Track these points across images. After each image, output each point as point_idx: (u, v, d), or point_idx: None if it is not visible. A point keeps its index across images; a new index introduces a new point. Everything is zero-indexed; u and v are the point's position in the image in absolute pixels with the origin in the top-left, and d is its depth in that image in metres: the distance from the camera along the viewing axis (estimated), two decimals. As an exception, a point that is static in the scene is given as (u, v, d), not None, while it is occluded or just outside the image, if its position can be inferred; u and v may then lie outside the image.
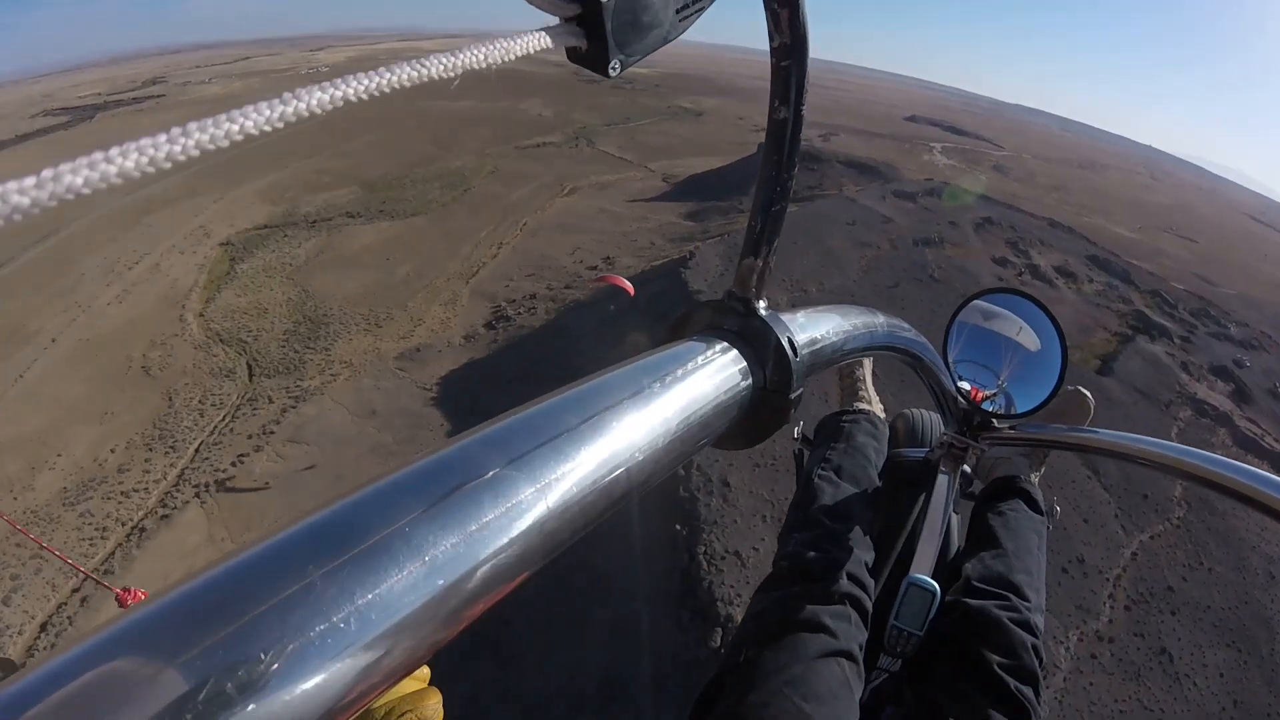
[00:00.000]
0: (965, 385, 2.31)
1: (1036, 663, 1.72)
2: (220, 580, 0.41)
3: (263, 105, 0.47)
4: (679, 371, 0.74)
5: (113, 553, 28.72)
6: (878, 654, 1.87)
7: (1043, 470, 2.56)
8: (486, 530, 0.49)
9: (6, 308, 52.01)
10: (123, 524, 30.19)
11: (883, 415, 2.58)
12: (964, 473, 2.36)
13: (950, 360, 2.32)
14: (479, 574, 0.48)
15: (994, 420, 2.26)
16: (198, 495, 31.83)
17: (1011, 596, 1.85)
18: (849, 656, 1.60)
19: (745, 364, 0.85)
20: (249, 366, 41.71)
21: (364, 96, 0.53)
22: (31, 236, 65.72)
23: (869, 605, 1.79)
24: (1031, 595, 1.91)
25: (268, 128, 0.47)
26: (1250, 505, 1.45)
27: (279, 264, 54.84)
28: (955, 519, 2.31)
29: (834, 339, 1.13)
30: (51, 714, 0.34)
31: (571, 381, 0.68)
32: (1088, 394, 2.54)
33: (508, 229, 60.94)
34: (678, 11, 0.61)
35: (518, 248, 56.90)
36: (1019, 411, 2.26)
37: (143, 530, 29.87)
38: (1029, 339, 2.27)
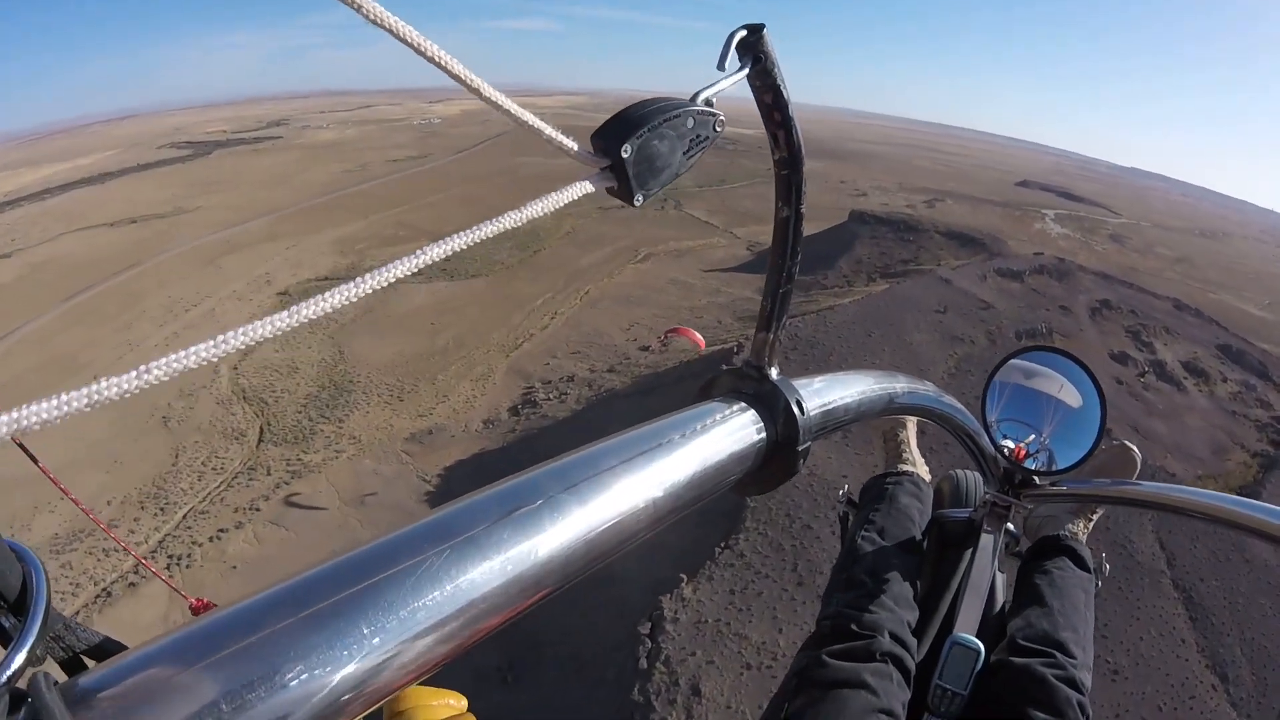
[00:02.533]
0: (1008, 444, 2.25)
1: (1083, 719, 1.67)
2: (289, 591, 0.50)
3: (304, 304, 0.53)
4: (699, 426, 0.88)
5: (77, 613, 27.07)
6: (922, 714, 1.82)
7: (1090, 527, 2.50)
8: (536, 548, 0.60)
9: (71, 334, 53.34)
10: (95, 583, 29.27)
11: (927, 477, 2.59)
12: (1009, 531, 2.28)
13: (992, 420, 2.28)
14: (533, 576, 0.60)
15: (1035, 478, 2.21)
16: (169, 568, 30.28)
17: (1057, 654, 1.82)
18: (890, 715, 1.59)
19: (760, 421, 0.98)
20: (261, 430, 39.97)
21: (448, 254, 0.62)
22: (119, 264, 67.27)
23: (911, 664, 1.77)
24: (1078, 652, 1.87)
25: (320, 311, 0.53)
26: None
27: (326, 320, 50.67)
28: (1000, 578, 2.24)
29: (847, 400, 1.24)
30: (153, 687, 0.44)
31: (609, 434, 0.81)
32: (1133, 448, 2.54)
33: (567, 297, 57.40)
34: (684, 153, 0.73)
35: (572, 319, 52.99)
36: (1060, 468, 2.21)
37: (109, 594, 28.78)
38: (1070, 395, 2.26)
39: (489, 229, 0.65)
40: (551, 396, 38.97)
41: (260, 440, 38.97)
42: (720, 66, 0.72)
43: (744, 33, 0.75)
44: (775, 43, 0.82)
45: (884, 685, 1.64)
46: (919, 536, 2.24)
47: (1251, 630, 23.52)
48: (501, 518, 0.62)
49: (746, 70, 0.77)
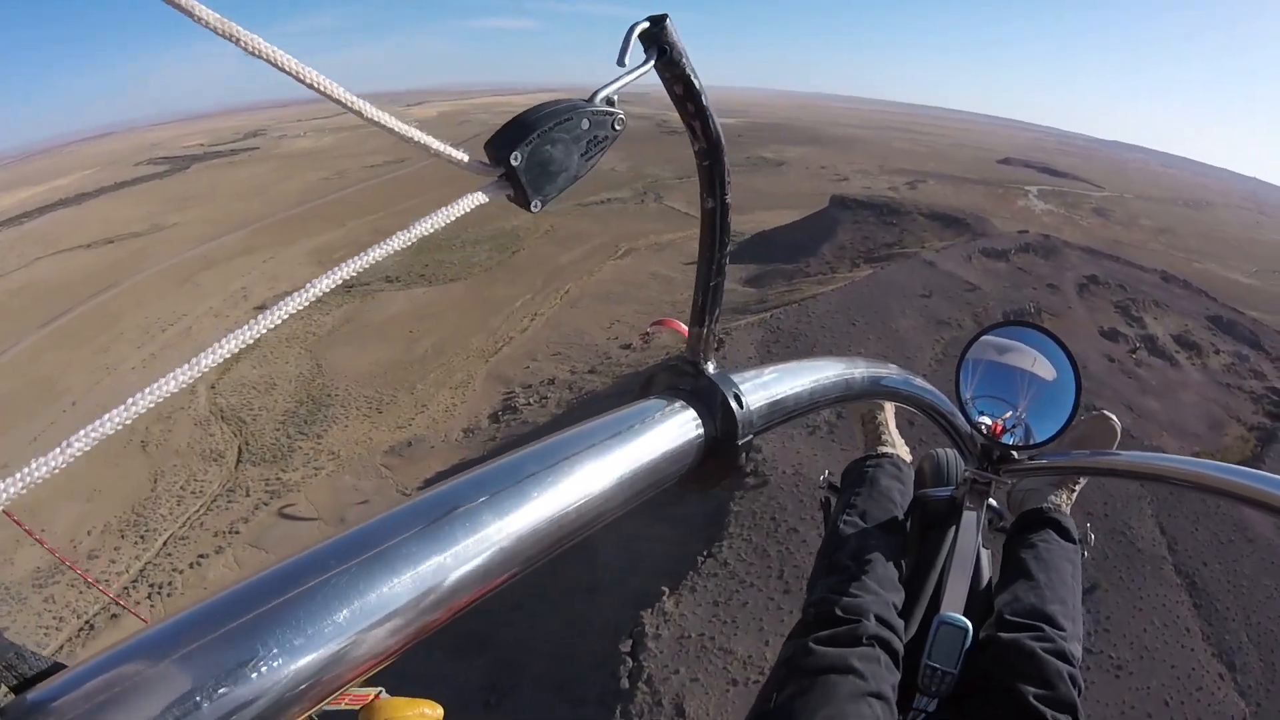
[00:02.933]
0: (986, 420, 2.26)
1: (1074, 691, 1.68)
2: (250, 588, 0.53)
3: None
4: (633, 427, 0.87)
5: (61, 647, 27.26)
6: (913, 694, 1.82)
7: (1074, 498, 2.48)
8: (460, 553, 0.60)
9: (49, 361, 52.70)
10: (78, 616, 28.90)
11: (908, 458, 2.61)
12: (992, 507, 2.32)
13: (967, 397, 2.29)
14: (450, 586, 0.60)
15: (1014, 453, 2.22)
16: (150, 597, 29.87)
17: (1045, 627, 1.83)
18: (880, 698, 1.59)
19: (698, 418, 0.96)
20: (239, 450, 39.37)
21: (339, 283, 0.62)
22: (96, 286, 66.49)
23: (899, 646, 1.78)
24: (1066, 624, 1.88)
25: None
26: None
27: (303, 333, 52.54)
28: (986, 554, 2.26)
29: (798, 390, 1.23)
30: (89, 702, 0.45)
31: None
32: (1112, 416, 2.56)
33: (547, 297, 56.68)
34: (582, 155, 0.72)
35: (552, 319, 52.28)
36: (1038, 441, 2.21)
37: (92, 628, 28.30)
38: (1044, 369, 2.27)
39: (377, 253, 0.63)
40: (532, 401, 38.30)
41: (239, 460, 38.45)
42: (620, 62, 0.70)
43: (645, 24, 0.73)
44: (682, 32, 0.80)
45: (872, 669, 1.63)
46: (901, 518, 2.25)
47: (1257, 614, 23.01)
48: (414, 532, 0.61)
49: (652, 63, 0.75)
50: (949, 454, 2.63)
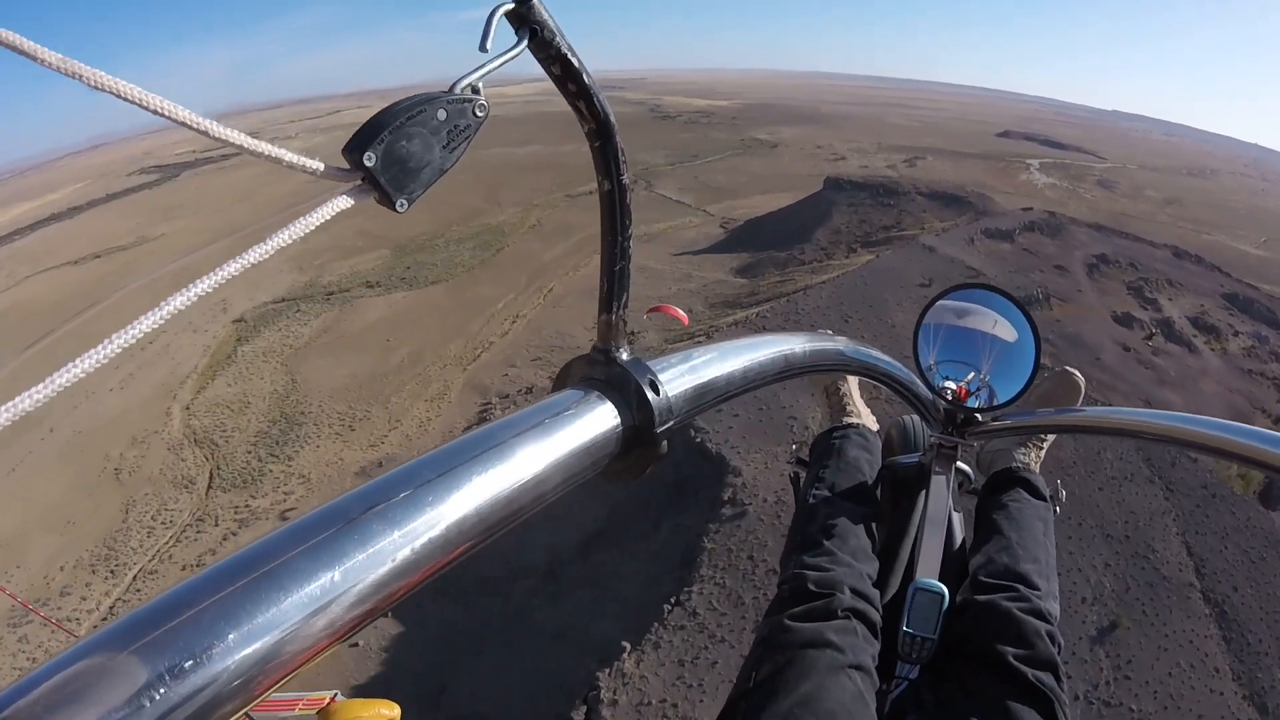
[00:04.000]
0: (950, 385, 2.25)
1: (1053, 648, 1.68)
2: (178, 595, 0.53)
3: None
4: (546, 420, 0.85)
5: None
6: (895, 663, 1.82)
7: (1043, 456, 2.48)
8: (352, 568, 0.59)
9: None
10: (48, 654, 28.22)
11: (875, 426, 2.59)
12: (961, 470, 2.29)
13: (929, 363, 2.28)
14: (345, 601, 0.58)
15: (977, 415, 2.22)
16: None
17: (1020, 587, 1.83)
18: (860, 669, 1.59)
19: (613, 408, 0.93)
20: (210, 476, 38.47)
21: (191, 303, 0.59)
22: (80, 304, 65.74)
23: (876, 617, 1.78)
24: (1041, 582, 1.88)
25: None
26: (1256, 467, 1.43)
27: (280, 345, 51.37)
28: (958, 518, 2.24)
29: (729, 370, 1.18)
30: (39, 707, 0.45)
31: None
32: (1075, 372, 2.55)
33: (529, 297, 55.13)
34: (444, 148, 0.69)
35: (534, 321, 50.73)
36: (1001, 402, 2.23)
37: None
38: (1005, 330, 2.28)
39: (231, 268, 0.60)
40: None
41: (210, 487, 37.70)
42: (483, 47, 0.67)
43: (510, 5, 0.70)
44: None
45: (849, 641, 1.63)
46: (871, 486, 2.24)
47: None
48: (300, 550, 0.59)
49: (523, 45, 0.72)
50: (915, 420, 2.58)
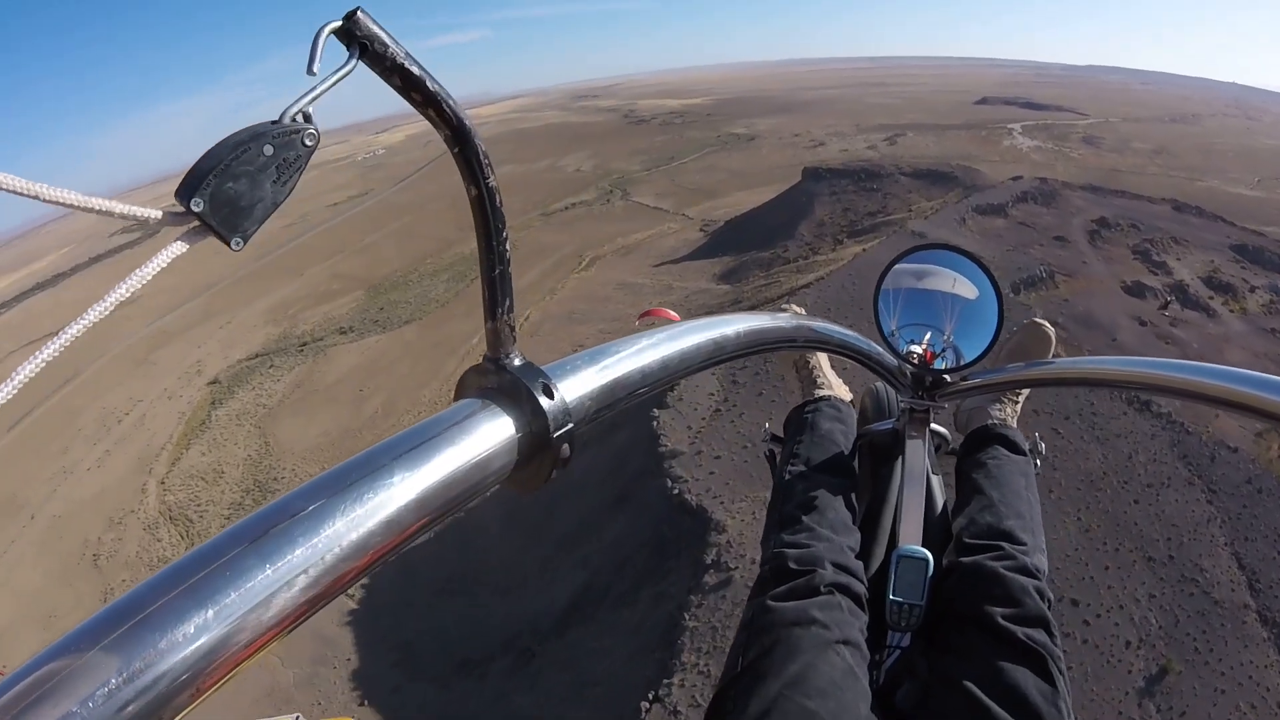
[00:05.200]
0: (916, 349, 2.24)
1: (1043, 604, 1.67)
2: (130, 602, 0.55)
3: None
4: (439, 434, 0.82)
5: None
6: (886, 632, 1.82)
7: (1019, 410, 2.47)
8: (209, 618, 0.58)
9: (9, 474, 50.60)
10: None
11: (847, 397, 2.59)
12: (937, 432, 2.29)
13: (892, 329, 2.27)
14: (213, 654, 0.57)
15: (945, 376, 2.20)
16: None
17: (1004, 545, 1.82)
18: (848, 643, 1.59)
19: (507, 417, 0.90)
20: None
21: (43, 366, 0.58)
22: (59, 379, 64.24)
23: (861, 589, 1.77)
24: (1026, 538, 1.87)
25: None
26: (1226, 408, 1.43)
27: (254, 406, 50.02)
28: (937, 480, 2.25)
29: (641, 365, 1.13)
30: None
31: None
32: (1045, 324, 2.51)
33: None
34: (274, 182, 0.67)
35: (509, 355, 48.40)
36: (968, 361, 2.22)
37: None
38: (965, 288, 2.26)
39: (75, 329, 0.60)
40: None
41: None
42: (310, 71, 0.64)
43: (336, 24, 0.67)
44: (382, 18, 0.68)
45: (834, 616, 1.63)
46: (847, 458, 2.24)
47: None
48: (177, 593, 0.59)
49: (354, 62, 0.69)
50: (888, 387, 2.51)
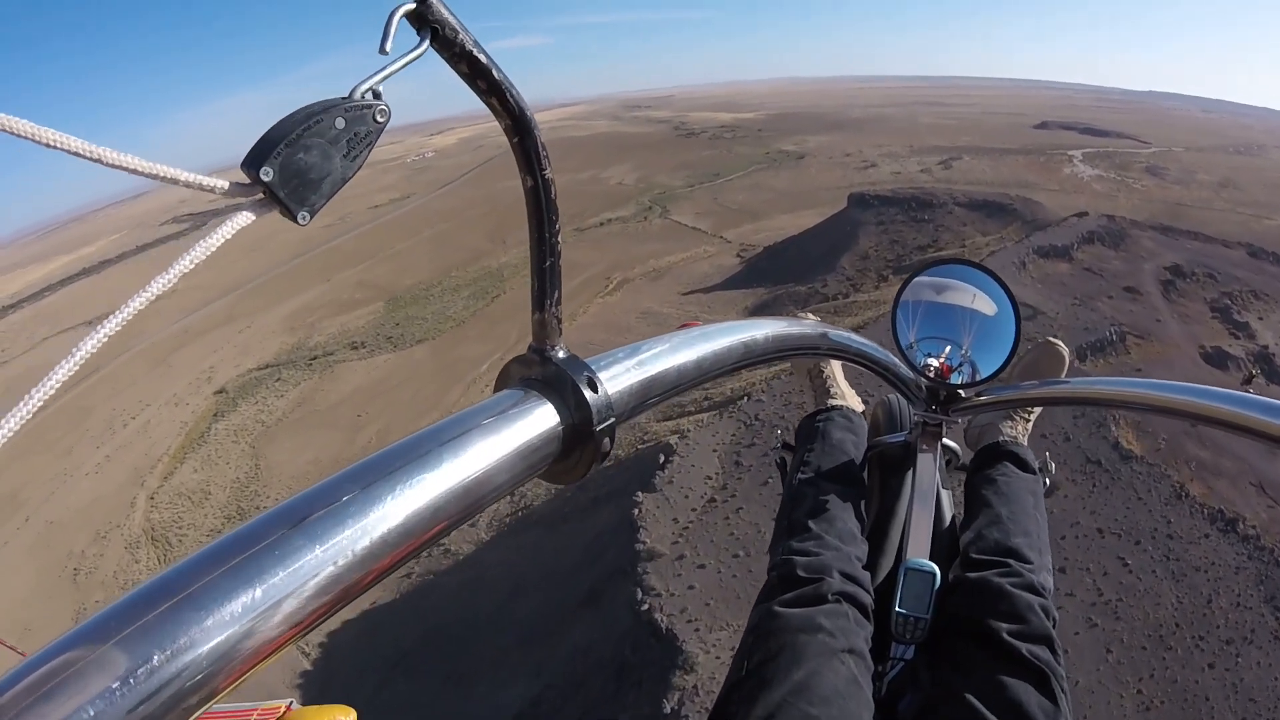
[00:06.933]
0: (933, 362, 2.26)
1: (1047, 622, 1.68)
2: (152, 589, 0.54)
3: None
4: (484, 422, 0.84)
5: None
6: (890, 643, 1.83)
7: (1030, 428, 2.48)
8: (259, 597, 0.58)
9: (15, 470, 49.44)
10: None
11: (860, 407, 2.60)
12: (948, 447, 2.32)
13: (911, 341, 2.28)
14: (265, 621, 0.59)
15: (960, 391, 2.23)
16: None
17: (1011, 561, 1.83)
18: (852, 652, 1.60)
19: (551, 407, 0.92)
20: None
21: (103, 343, 0.59)
22: (80, 373, 62.71)
23: (867, 599, 1.78)
24: (1033, 556, 1.88)
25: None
26: (1238, 432, 1.44)
27: (253, 422, 48.48)
28: (947, 495, 2.24)
29: (678, 363, 1.16)
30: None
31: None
32: (1059, 343, 2.53)
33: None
34: (344, 156, 0.68)
35: (517, 387, 46.11)
36: (983, 377, 2.23)
37: None
38: (984, 304, 2.28)
39: (137, 302, 0.60)
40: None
41: None
42: (383, 50, 0.66)
43: (409, 6, 0.68)
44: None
45: (840, 624, 1.64)
46: (857, 468, 2.24)
47: None
48: (222, 572, 0.59)
49: (425, 45, 0.70)
50: (900, 399, 2.53)
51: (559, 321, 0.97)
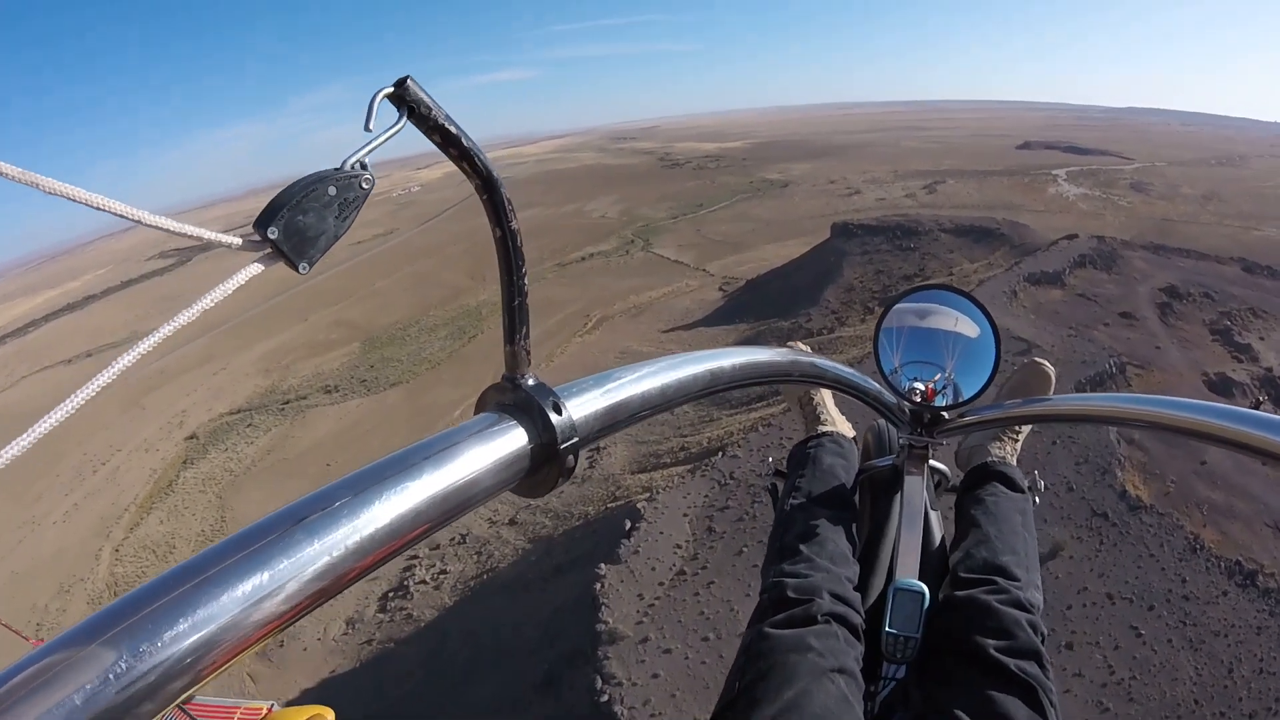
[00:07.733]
0: (918, 386, 2.28)
1: (1035, 637, 1.71)
2: (140, 596, 0.61)
3: None
4: (460, 442, 0.93)
5: None
6: (881, 663, 1.87)
7: (1018, 448, 2.52)
8: (250, 593, 0.66)
9: None
10: None
11: (850, 433, 2.63)
12: (937, 469, 2.36)
13: (895, 366, 2.31)
14: (273, 599, 0.67)
15: (944, 413, 2.25)
16: None
17: (998, 579, 1.86)
18: (843, 672, 1.62)
19: (520, 429, 1.01)
20: None
21: (101, 388, 0.67)
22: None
23: (858, 620, 1.81)
24: (1020, 573, 1.91)
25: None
26: (1221, 445, 1.47)
27: (222, 471, 47.38)
28: (935, 516, 2.30)
29: (643, 390, 1.25)
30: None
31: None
32: (1044, 362, 2.59)
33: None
34: (336, 218, 0.77)
35: (488, 434, 45.06)
36: (966, 398, 2.25)
37: None
38: (967, 327, 2.30)
39: (147, 343, 0.67)
40: (428, 579, 30.36)
41: None
42: (367, 127, 0.75)
43: (389, 89, 0.78)
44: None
45: (830, 645, 1.66)
46: (848, 492, 2.28)
47: None
48: (236, 559, 0.68)
49: (403, 121, 0.80)
50: (889, 424, 2.55)
51: (528, 353, 1.07)
